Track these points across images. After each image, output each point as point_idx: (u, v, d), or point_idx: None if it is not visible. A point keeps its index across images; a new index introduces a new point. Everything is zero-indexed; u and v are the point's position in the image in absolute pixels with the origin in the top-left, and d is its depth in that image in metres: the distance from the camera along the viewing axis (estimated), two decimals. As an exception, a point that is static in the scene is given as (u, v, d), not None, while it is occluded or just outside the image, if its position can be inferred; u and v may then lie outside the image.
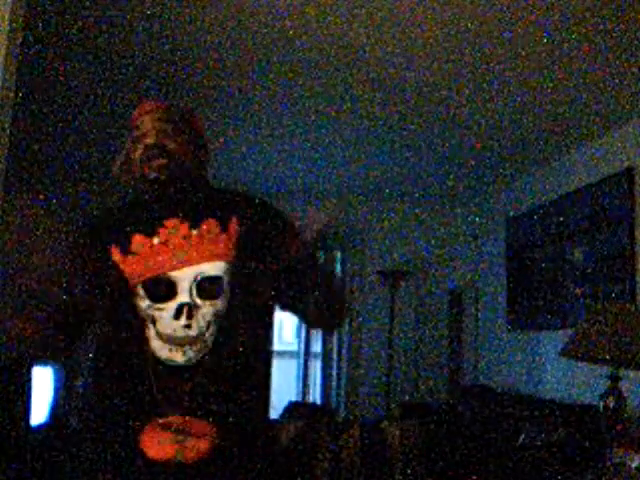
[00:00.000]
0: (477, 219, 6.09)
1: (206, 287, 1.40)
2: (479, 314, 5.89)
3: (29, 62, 3.30)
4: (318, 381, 6.00)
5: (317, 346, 6.02)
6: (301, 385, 5.95)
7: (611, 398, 2.77)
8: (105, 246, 1.48)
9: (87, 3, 2.78)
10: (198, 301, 1.39)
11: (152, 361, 1.36)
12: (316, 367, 5.98)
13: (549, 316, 4.67)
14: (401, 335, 5.91)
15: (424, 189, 5.79)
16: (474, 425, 4.25)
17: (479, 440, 3.87)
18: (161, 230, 1.46)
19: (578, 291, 4.32)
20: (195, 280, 1.40)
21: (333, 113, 4.01)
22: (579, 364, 3.83)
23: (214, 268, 1.41)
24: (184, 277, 1.40)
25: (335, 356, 5.98)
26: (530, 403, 4.27)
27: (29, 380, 4.27)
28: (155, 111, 1.55)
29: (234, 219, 1.49)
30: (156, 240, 1.45)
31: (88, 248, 1.52)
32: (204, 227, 1.46)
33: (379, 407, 5.63)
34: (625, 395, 2.80)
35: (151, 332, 1.38)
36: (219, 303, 1.40)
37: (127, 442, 1.35)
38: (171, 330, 1.37)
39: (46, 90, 3.73)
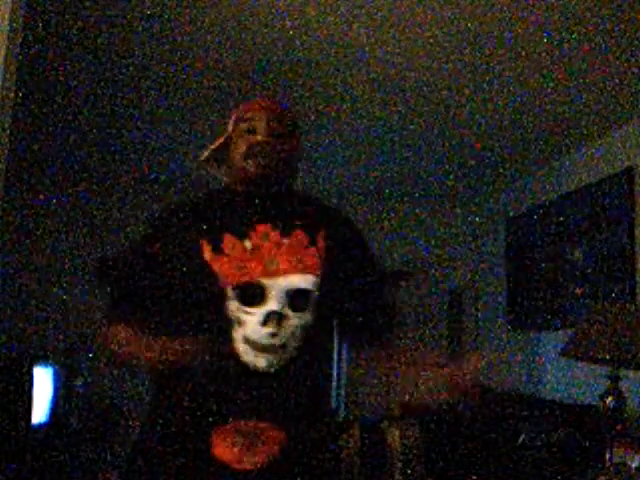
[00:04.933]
0: (477, 219, 6.09)
1: (296, 299, 1.39)
2: (479, 314, 5.88)
3: (29, 62, 3.30)
4: (318, 381, 5.99)
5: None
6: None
7: (611, 398, 2.76)
8: (195, 240, 1.44)
9: (87, 3, 2.79)
10: (287, 311, 1.38)
11: (234, 363, 1.35)
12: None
13: (549, 316, 4.67)
14: (401, 335, 5.89)
15: (424, 189, 5.79)
16: (474, 425, 4.25)
17: (479, 440, 3.87)
18: (252, 234, 1.43)
19: (578, 291, 4.32)
20: (286, 291, 1.39)
21: (333, 113, 4.01)
22: (579, 364, 3.83)
23: (305, 281, 1.41)
24: (275, 286, 1.38)
25: (335, 356, 5.98)
26: (530, 403, 4.27)
27: (30, 380, 4.27)
28: (271, 110, 1.51)
29: (322, 232, 1.48)
30: (247, 244, 1.42)
31: (174, 238, 1.46)
32: (294, 237, 1.45)
33: (379, 407, 5.62)
34: (625, 395, 2.80)
35: (238, 334, 1.36)
36: (306, 316, 1.40)
37: (199, 442, 1.34)
38: (257, 336, 1.35)
39: (46, 90, 3.74)
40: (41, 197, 5.57)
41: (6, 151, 2.00)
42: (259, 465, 1.31)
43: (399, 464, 3.44)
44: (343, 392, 5.98)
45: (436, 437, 3.92)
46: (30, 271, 5.48)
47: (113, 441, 4.95)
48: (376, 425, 3.72)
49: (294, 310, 1.39)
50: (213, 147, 1.58)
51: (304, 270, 1.41)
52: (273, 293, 1.38)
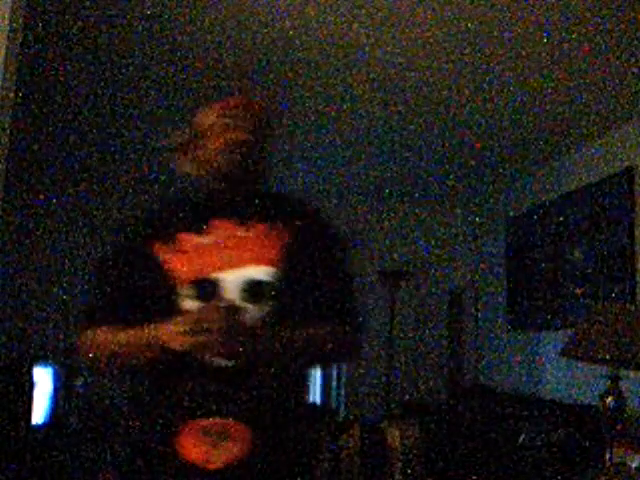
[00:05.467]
0: (477, 219, 6.09)
1: (251, 291, 1.37)
2: (479, 314, 5.88)
3: (29, 62, 3.30)
4: (318, 381, 6.00)
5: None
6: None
7: (611, 398, 2.76)
8: (150, 243, 1.44)
9: (87, 3, 2.79)
10: (242, 304, 1.35)
11: (194, 362, 1.32)
12: (316, 367, 5.96)
13: (549, 316, 4.67)
14: (401, 335, 5.90)
15: (424, 189, 5.79)
16: (474, 425, 4.25)
17: (479, 440, 3.87)
18: (210, 230, 1.43)
19: (578, 291, 4.32)
20: (242, 283, 1.37)
21: (333, 113, 4.01)
22: (579, 364, 3.83)
23: (262, 272, 1.39)
24: (230, 279, 1.37)
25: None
26: (530, 403, 4.27)
27: (30, 380, 4.27)
28: (253, 108, 1.50)
29: (282, 224, 1.47)
30: (204, 240, 1.42)
31: (131, 244, 1.47)
32: (253, 230, 1.44)
33: (379, 407, 5.62)
34: (625, 395, 2.80)
35: None
36: (264, 308, 1.37)
37: (164, 443, 1.33)
38: None
39: (46, 90, 3.73)
40: (41, 197, 5.57)
41: (6, 151, 2.01)
42: (227, 464, 1.29)
43: (399, 464, 3.44)
44: (343, 392, 5.98)
45: (436, 437, 3.92)
46: (30, 271, 5.48)
47: (113, 441, 4.95)
48: (376, 425, 3.71)
49: (249, 302, 1.36)
50: (181, 140, 1.56)
51: (262, 262, 1.40)
52: (228, 287, 1.36)
